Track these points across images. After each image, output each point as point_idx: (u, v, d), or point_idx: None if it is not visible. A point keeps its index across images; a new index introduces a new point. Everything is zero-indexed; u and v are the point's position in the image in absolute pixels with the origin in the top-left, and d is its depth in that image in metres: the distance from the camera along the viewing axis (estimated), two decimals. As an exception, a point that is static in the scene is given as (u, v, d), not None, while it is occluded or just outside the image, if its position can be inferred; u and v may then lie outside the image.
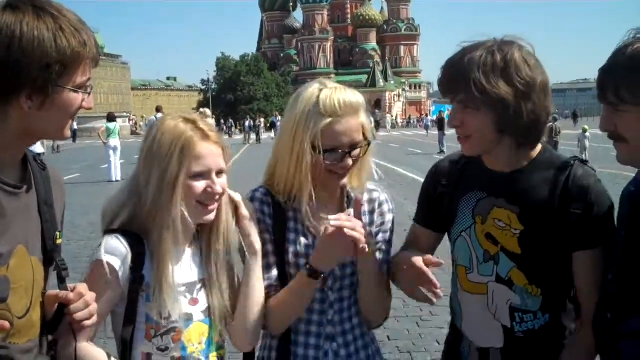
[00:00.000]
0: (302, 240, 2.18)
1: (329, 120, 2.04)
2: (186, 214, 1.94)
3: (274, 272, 2.16)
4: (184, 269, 2.01)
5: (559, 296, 2.16)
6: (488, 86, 1.96)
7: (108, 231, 1.97)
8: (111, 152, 20.90)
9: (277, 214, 2.19)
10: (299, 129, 2.06)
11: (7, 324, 1.54)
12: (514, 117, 1.98)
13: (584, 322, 2.09)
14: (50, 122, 1.62)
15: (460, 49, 2.07)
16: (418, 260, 2.02)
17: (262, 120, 54.98)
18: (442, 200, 2.27)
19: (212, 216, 2.00)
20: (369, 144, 2.13)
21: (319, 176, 2.10)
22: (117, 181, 19.55)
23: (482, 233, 2.15)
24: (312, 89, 2.10)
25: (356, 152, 2.10)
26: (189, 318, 1.99)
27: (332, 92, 2.07)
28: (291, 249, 2.17)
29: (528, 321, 2.13)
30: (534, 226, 2.07)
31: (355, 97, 2.10)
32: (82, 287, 1.75)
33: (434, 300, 2.04)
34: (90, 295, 1.74)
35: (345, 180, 2.17)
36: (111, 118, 22.35)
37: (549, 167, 2.11)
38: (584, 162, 2.14)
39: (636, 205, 1.92)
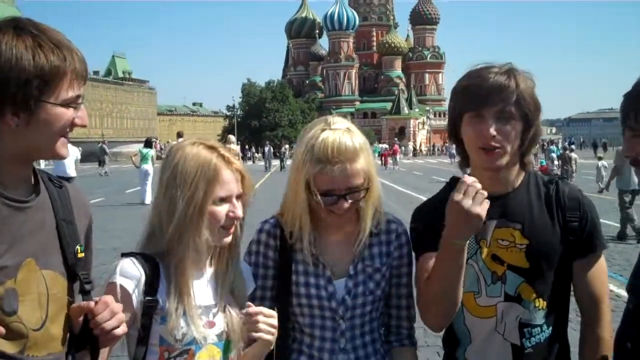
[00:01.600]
0: (311, 269, 2.22)
1: (320, 166, 2.06)
2: (209, 238, 1.98)
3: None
4: (201, 291, 2.03)
5: (561, 308, 2.24)
6: (530, 99, 2.10)
7: (124, 254, 2.00)
8: (143, 176, 21.57)
9: (284, 246, 2.24)
10: (297, 169, 2.12)
11: (2, 329, 1.56)
12: (534, 132, 2.14)
13: (588, 334, 2.21)
14: (39, 139, 1.65)
15: (482, 69, 2.15)
16: None
17: (287, 146, 53.06)
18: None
19: (230, 239, 2.05)
20: (367, 189, 2.14)
21: (321, 213, 2.16)
22: (146, 204, 19.80)
23: (488, 255, 2.19)
24: (315, 129, 2.13)
25: (355, 195, 2.12)
26: (203, 340, 1.99)
27: (330, 135, 2.08)
28: (296, 279, 2.22)
29: (536, 335, 2.18)
30: (538, 239, 2.16)
31: (355, 141, 2.10)
32: (109, 298, 1.76)
33: None
34: (117, 306, 1.75)
35: (346, 221, 2.18)
36: (147, 144, 22.98)
37: (537, 184, 2.25)
38: (563, 179, 2.29)
39: None
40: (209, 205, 1.97)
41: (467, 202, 1.89)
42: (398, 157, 52.05)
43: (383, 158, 50.52)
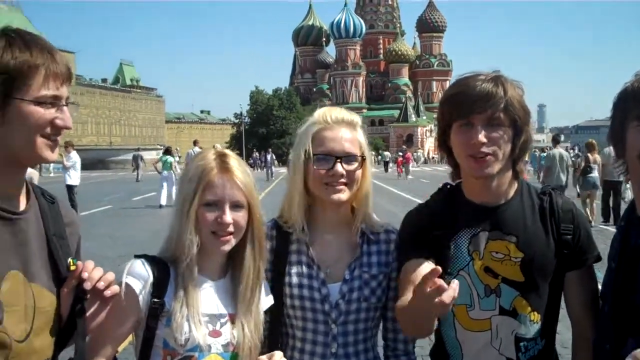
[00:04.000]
0: (304, 270, 2.22)
1: (318, 127, 2.19)
2: (203, 242, 2.00)
3: None
4: (209, 299, 2.03)
5: (553, 319, 2.24)
6: (519, 106, 2.09)
7: (136, 256, 2.04)
8: (164, 182, 23.34)
9: (279, 247, 2.25)
10: (297, 145, 2.22)
11: None
12: (524, 139, 2.13)
13: (580, 343, 2.20)
14: (16, 139, 1.65)
15: (469, 77, 2.14)
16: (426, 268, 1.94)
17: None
18: (436, 244, 2.20)
19: (226, 247, 2.02)
20: (364, 159, 2.20)
21: (315, 190, 2.19)
22: (162, 207, 21.59)
23: (481, 268, 2.16)
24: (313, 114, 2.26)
25: (350, 164, 2.17)
26: (206, 349, 1.99)
27: (328, 108, 2.25)
28: (289, 280, 2.22)
29: (531, 348, 2.18)
30: (533, 252, 2.14)
31: (351, 115, 2.26)
32: (88, 264, 1.80)
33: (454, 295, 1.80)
34: (97, 269, 1.80)
35: (341, 197, 2.18)
36: (167, 152, 25.18)
37: (529, 195, 2.23)
38: (556, 190, 2.28)
39: (625, 240, 2.01)
40: (198, 207, 1.98)
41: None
42: (410, 165, 49.39)
43: (397, 166, 47.74)
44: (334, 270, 2.24)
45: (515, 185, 2.22)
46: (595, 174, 15.82)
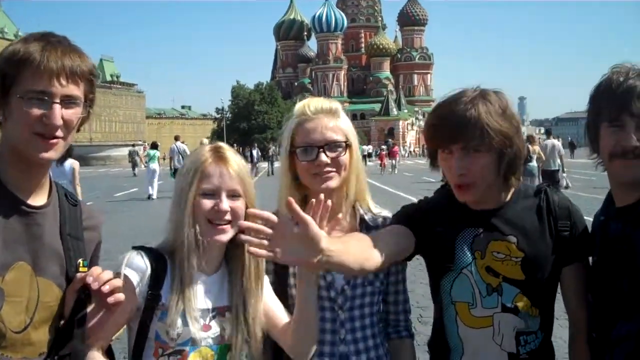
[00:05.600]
0: None
1: (298, 120, 2.20)
2: (199, 232, 2.00)
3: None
4: (202, 293, 2.05)
5: (550, 312, 2.27)
6: (500, 127, 2.07)
7: (134, 247, 2.05)
8: (150, 174, 24.71)
9: None
10: (281, 140, 2.23)
11: None
12: (515, 154, 2.11)
13: (577, 334, 2.26)
14: (14, 133, 1.66)
15: (448, 103, 2.14)
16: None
17: (274, 148, 48.14)
18: (438, 240, 2.23)
19: (223, 237, 2.03)
20: (349, 146, 2.20)
21: (305, 182, 2.20)
22: (152, 199, 23.37)
23: (483, 267, 2.19)
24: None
25: (334, 151, 2.18)
26: (197, 343, 2.00)
27: (307, 100, 2.25)
28: (293, 270, 2.21)
29: (531, 342, 2.20)
30: (532, 250, 2.17)
31: (330, 103, 2.25)
32: (96, 268, 1.80)
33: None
34: (107, 272, 1.79)
35: (330, 184, 2.18)
36: (154, 146, 26.73)
37: (527, 196, 2.26)
38: (551, 186, 2.33)
39: (605, 234, 2.11)
40: (195, 196, 2.00)
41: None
42: (397, 159, 46.92)
43: (381, 160, 45.00)
44: None
45: (512, 189, 2.24)
46: (534, 163, 17.40)
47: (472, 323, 2.21)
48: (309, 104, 2.22)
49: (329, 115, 2.21)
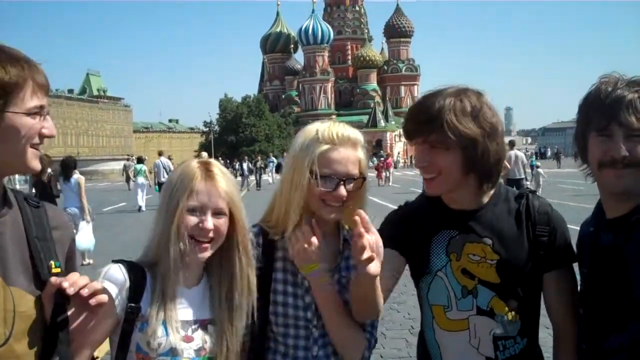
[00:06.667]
0: (289, 278, 2.22)
1: (326, 147, 2.12)
2: (182, 248, 2.00)
3: None
4: (183, 305, 2.05)
5: (534, 320, 2.28)
6: (460, 127, 2.07)
7: (114, 260, 2.05)
8: (139, 188, 25.67)
9: (266, 254, 2.23)
10: (298, 158, 2.14)
11: None
12: (481, 157, 2.11)
13: (563, 345, 2.25)
14: (9, 151, 1.67)
15: (423, 96, 2.19)
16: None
17: (260, 160, 46.59)
18: (415, 243, 2.26)
19: (205, 254, 2.04)
20: (364, 179, 2.17)
21: (312, 206, 2.16)
22: (141, 210, 24.32)
23: (458, 269, 2.20)
24: (313, 125, 2.20)
25: (352, 185, 2.15)
26: (178, 354, 2.00)
27: (332, 125, 2.17)
28: (274, 287, 2.22)
29: (510, 347, 2.20)
30: (508, 254, 2.18)
31: (354, 133, 2.20)
32: (74, 274, 1.78)
33: None
34: (83, 277, 1.77)
35: (337, 216, 2.18)
36: (140, 160, 27.93)
37: (507, 199, 2.27)
38: (534, 192, 2.34)
39: (595, 245, 2.10)
40: (181, 213, 2.00)
41: None
42: (391, 171, 45.99)
43: (378, 173, 43.03)
44: None
45: (492, 191, 2.24)
46: None
47: (447, 326, 2.21)
48: (336, 131, 2.15)
49: (353, 147, 2.17)
